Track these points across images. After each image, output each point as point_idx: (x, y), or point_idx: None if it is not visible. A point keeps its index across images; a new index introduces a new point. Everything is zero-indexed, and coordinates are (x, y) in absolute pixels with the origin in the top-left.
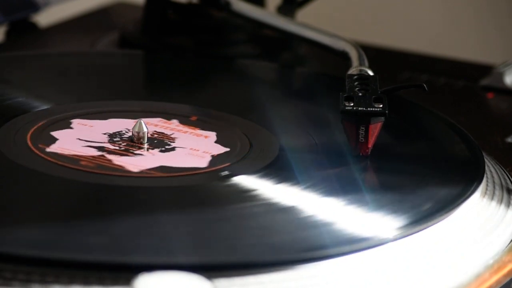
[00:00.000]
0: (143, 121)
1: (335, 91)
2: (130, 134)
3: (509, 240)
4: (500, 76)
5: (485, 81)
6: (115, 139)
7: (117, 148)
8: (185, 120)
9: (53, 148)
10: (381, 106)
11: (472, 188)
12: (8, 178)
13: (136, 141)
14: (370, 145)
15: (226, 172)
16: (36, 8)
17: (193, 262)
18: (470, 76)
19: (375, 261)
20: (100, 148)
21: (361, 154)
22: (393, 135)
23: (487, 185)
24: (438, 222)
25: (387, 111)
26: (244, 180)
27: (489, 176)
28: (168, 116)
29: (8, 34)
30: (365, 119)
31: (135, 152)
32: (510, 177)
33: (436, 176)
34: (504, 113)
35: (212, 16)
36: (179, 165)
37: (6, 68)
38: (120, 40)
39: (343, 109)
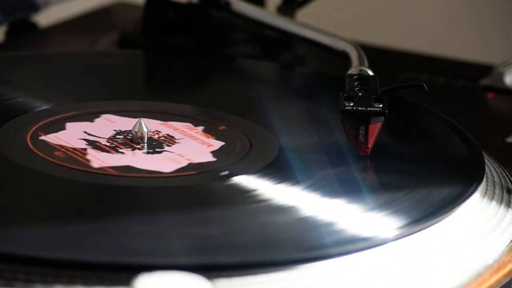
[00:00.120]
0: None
1: (335, 91)
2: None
3: (509, 240)
4: (500, 76)
5: (485, 81)
6: (118, 137)
7: (108, 144)
8: (211, 128)
9: (48, 137)
10: (381, 106)
11: (472, 188)
12: (8, 178)
13: (135, 141)
14: (370, 145)
15: (226, 172)
16: (36, 8)
17: (193, 262)
18: (470, 76)
19: (375, 261)
20: (91, 142)
21: (361, 154)
22: (393, 135)
23: (487, 185)
24: (438, 222)
25: (387, 111)
26: (244, 180)
27: (489, 176)
28: (196, 122)
29: (8, 34)
30: (365, 119)
31: (120, 150)
32: (510, 177)
33: (436, 176)
34: (504, 113)
35: (212, 16)
36: (144, 167)
37: (6, 68)
38: (120, 40)
39: (343, 109)
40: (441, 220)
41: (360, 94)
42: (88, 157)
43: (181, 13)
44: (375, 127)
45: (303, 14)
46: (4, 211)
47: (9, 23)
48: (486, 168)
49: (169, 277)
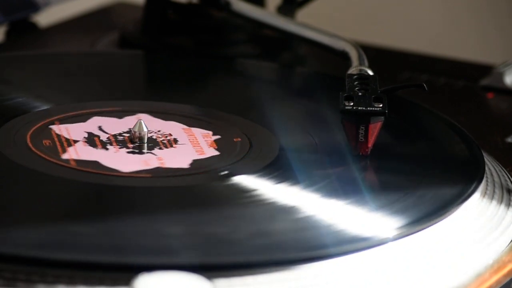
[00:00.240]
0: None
1: (335, 91)
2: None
3: (509, 240)
4: (500, 76)
5: (485, 81)
6: (124, 135)
7: (104, 140)
8: (225, 139)
9: (58, 127)
10: (381, 105)
11: (472, 188)
12: (8, 178)
13: (133, 140)
14: (370, 145)
15: (226, 172)
16: (36, 8)
17: (193, 262)
18: (470, 76)
19: (375, 261)
20: (89, 136)
21: (361, 153)
22: (393, 135)
23: (487, 185)
24: (438, 222)
25: (387, 111)
26: (244, 180)
27: (489, 176)
28: (216, 130)
29: (8, 34)
30: (365, 118)
31: (108, 147)
32: (510, 177)
33: (436, 176)
34: (504, 113)
35: (212, 16)
36: (108, 165)
37: (6, 68)
38: (120, 40)
39: (343, 108)
40: (441, 220)
41: (360, 94)
42: (69, 148)
43: (181, 13)
44: (375, 127)
45: (303, 14)
46: (4, 211)
47: (9, 23)
48: (486, 168)
49: (169, 277)
